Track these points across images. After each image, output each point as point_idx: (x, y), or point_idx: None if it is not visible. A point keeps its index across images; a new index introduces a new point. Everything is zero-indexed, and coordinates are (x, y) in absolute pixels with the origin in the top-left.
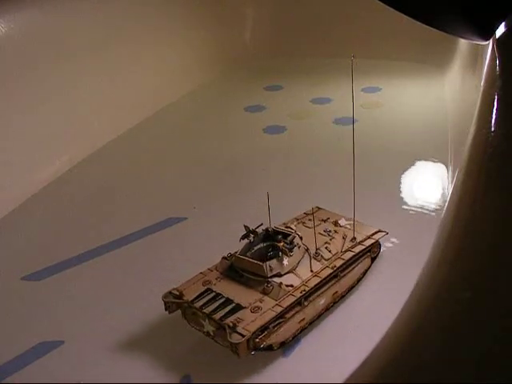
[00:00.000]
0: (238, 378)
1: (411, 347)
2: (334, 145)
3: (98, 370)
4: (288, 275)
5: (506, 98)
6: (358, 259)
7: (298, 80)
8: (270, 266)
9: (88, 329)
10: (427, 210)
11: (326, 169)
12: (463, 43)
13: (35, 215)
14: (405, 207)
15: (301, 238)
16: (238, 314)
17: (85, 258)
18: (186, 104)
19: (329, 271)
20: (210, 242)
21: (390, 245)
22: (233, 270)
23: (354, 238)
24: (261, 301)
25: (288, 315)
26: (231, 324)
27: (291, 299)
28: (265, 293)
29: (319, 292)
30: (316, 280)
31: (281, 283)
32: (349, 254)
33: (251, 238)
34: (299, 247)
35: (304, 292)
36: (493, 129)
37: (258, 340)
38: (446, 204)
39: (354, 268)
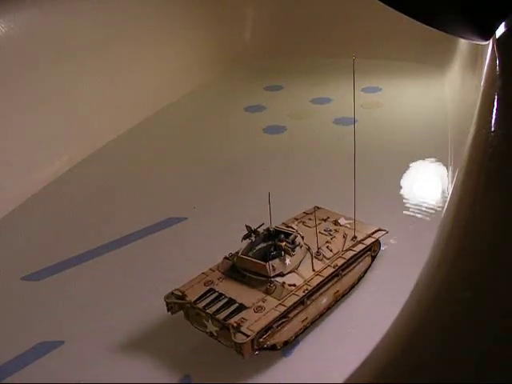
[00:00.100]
0: (239, 378)
1: (411, 347)
2: (334, 145)
3: (98, 370)
4: (290, 275)
5: (506, 98)
6: (358, 258)
7: (298, 80)
8: (272, 266)
9: (88, 329)
10: (427, 209)
11: (326, 169)
12: (463, 43)
13: (35, 215)
14: (405, 207)
15: (302, 238)
16: (242, 314)
17: (85, 258)
18: (186, 104)
19: (331, 270)
20: (210, 242)
21: (390, 245)
22: (235, 269)
23: (355, 237)
24: (264, 300)
25: (291, 314)
26: (235, 324)
27: (294, 298)
28: (268, 292)
29: (321, 291)
30: (318, 279)
31: (283, 283)
32: (350, 253)
33: (253, 238)
34: (301, 247)
35: (306, 291)
36: (493, 129)
37: (261, 340)
38: (446, 204)
39: (355, 267)
